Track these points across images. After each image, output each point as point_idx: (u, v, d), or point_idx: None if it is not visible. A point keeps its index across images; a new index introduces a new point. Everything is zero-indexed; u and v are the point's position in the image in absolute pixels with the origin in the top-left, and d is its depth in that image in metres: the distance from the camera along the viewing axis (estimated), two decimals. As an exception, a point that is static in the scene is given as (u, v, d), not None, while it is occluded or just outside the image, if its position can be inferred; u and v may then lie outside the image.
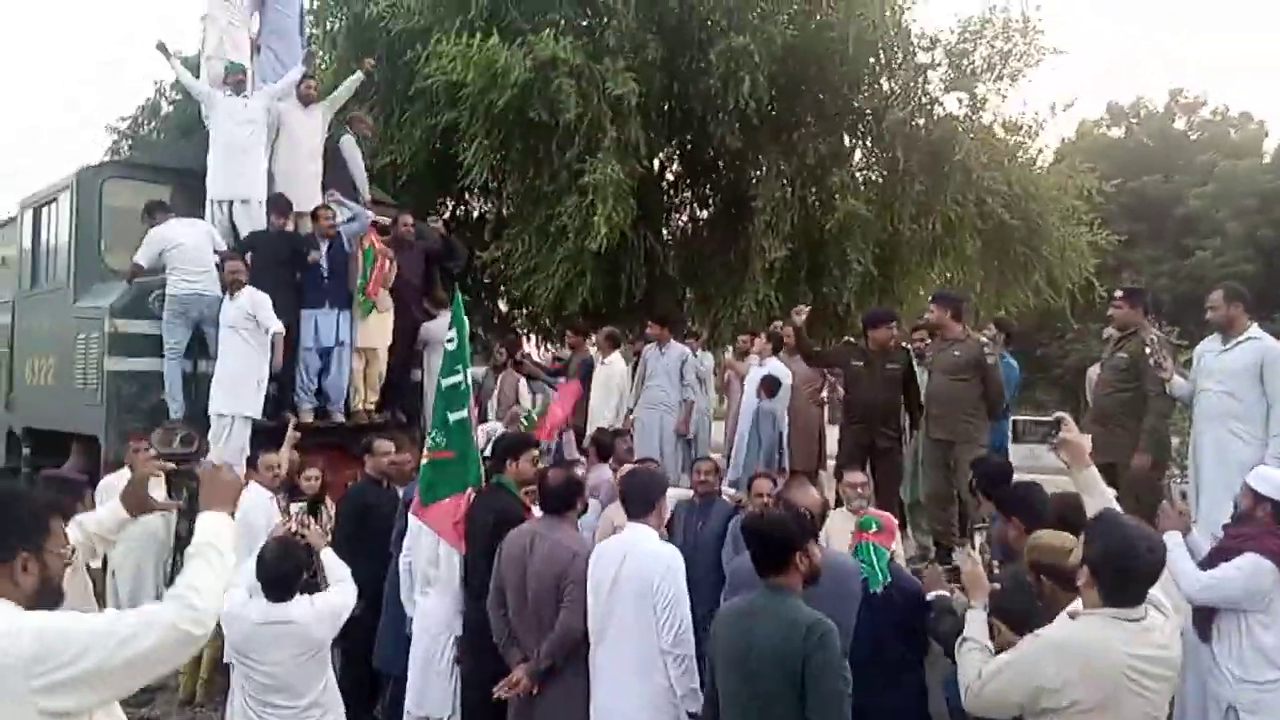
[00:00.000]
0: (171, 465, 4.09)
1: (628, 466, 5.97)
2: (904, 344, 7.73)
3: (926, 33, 12.92)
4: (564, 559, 4.10)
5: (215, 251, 7.64)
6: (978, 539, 3.76)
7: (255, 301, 7.27)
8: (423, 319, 8.67)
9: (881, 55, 12.54)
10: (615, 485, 6.48)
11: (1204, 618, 4.36)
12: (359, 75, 9.33)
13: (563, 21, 11.62)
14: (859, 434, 7.20)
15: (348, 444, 8.06)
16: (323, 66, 12.61)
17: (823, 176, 12.40)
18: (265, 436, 7.54)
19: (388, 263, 8.14)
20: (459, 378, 5.10)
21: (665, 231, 14.31)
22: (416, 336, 8.64)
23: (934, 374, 7.01)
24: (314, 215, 8.08)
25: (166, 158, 8.49)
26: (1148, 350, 5.99)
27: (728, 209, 13.93)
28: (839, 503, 6.31)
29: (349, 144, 8.85)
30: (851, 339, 8.33)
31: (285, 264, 7.82)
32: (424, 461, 5.20)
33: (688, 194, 14.65)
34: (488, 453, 5.25)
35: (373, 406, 8.38)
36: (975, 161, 12.12)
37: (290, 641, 3.99)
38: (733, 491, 6.99)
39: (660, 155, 12.76)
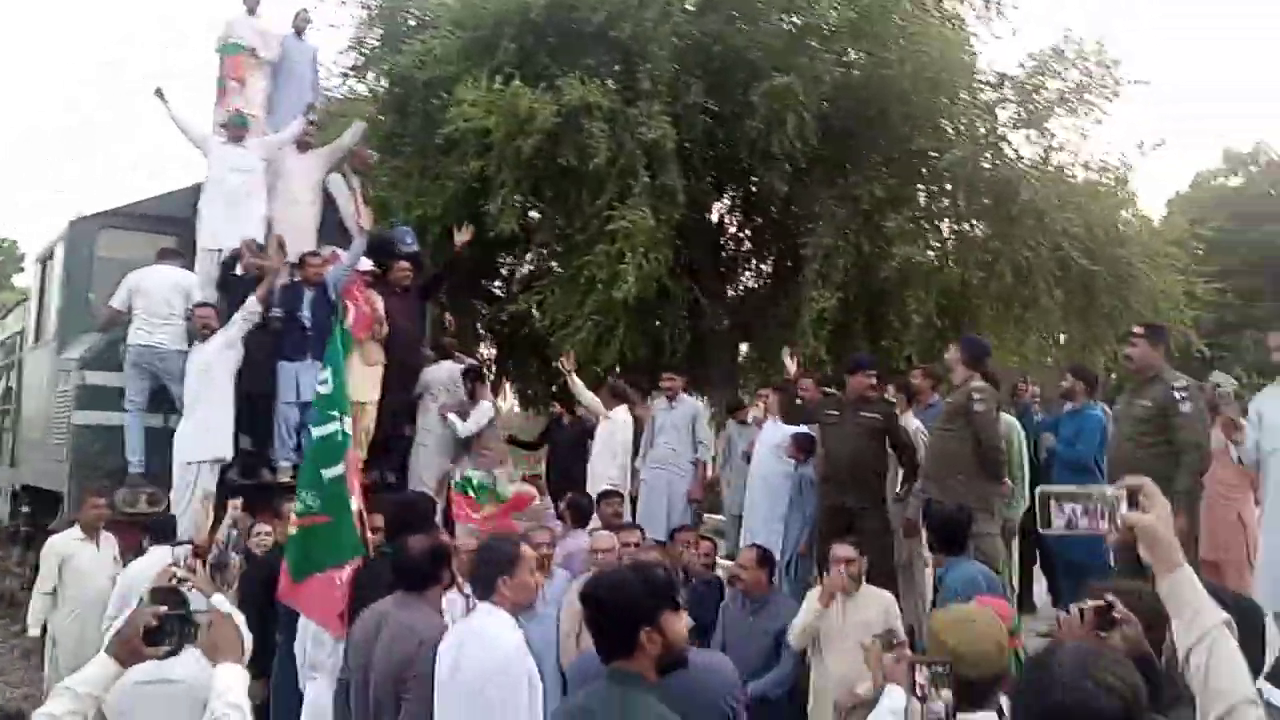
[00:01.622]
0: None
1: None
2: (886, 396, 6.85)
3: (994, 67, 12.10)
4: (409, 647, 3.34)
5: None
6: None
7: (227, 344, 6.88)
8: (422, 365, 8.15)
9: (944, 93, 11.69)
10: (594, 556, 5.78)
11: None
12: (361, 124, 9.02)
13: (595, 66, 11.15)
14: (829, 495, 6.31)
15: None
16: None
17: (879, 223, 11.52)
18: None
19: (367, 307, 7.67)
20: (334, 426, 4.49)
21: (721, 284, 13.62)
22: (413, 387, 8.09)
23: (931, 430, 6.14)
24: (300, 262, 7.67)
25: (174, 206, 8.16)
26: (1177, 396, 4.99)
27: (781, 259, 13.17)
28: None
29: (335, 183, 8.48)
30: (830, 389, 7.44)
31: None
32: (291, 531, 4.57)
33: (739, 244, 13.95)
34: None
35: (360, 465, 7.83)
36: (1047, 203, 11.07)
37: (173, 704, 3.36)
38: (729, 565, 6.17)
39: (709, 204, 12.06)
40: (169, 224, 8.15)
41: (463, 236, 8.41)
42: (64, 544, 6.29)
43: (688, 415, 7.49)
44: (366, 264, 7.97)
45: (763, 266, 14.16)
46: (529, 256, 11.48)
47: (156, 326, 7.07)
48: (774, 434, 7.06)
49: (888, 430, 6.34)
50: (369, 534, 4.63)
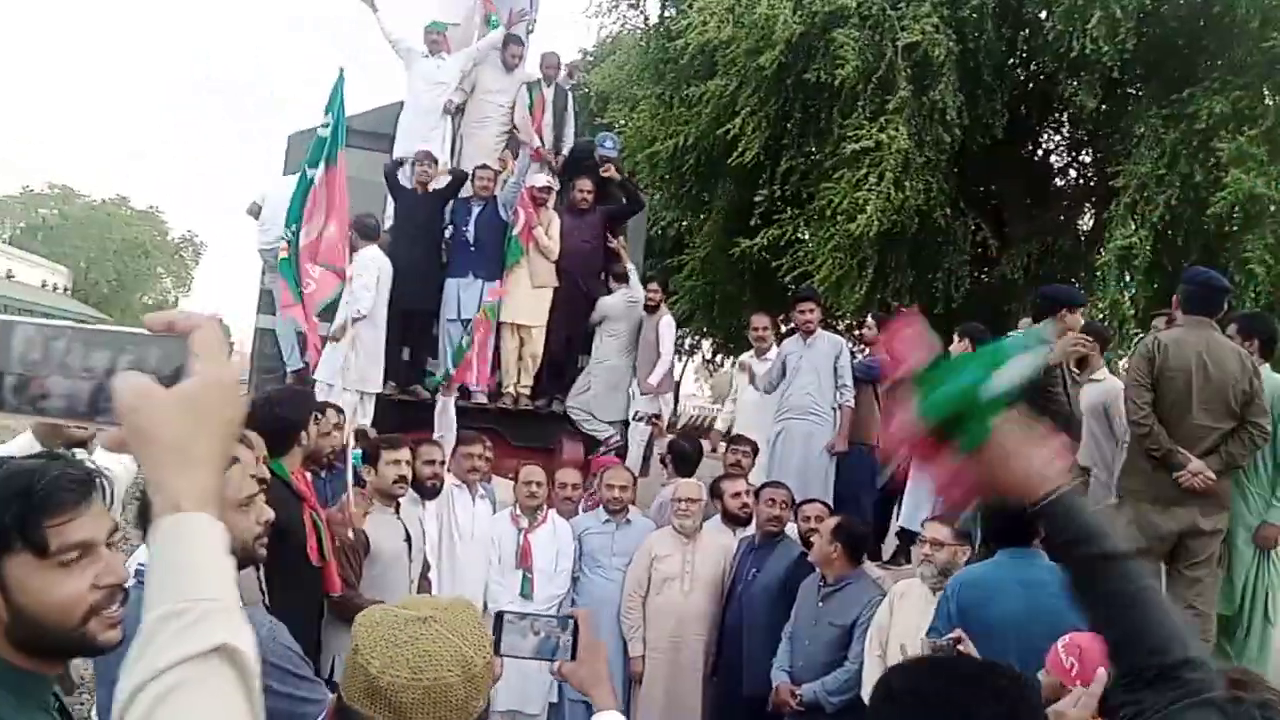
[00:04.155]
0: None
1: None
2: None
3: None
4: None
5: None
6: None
7: (360, 263, 6.71)
8: (599, 294, 7.55)
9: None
10: (674, 506, 4.96)
11: None
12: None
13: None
14: None
15: (500, 429, 7.29)
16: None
17: (1216, 146, 9.08)
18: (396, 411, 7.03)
19: (534, 216, 7.22)
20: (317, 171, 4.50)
21: (1023, 225, 11.62)
22: (588, 315, 7.53)
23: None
24: (471, 175, 7.36)
25: (382, 121, 8.22)
26: None
27: (1086, 189, 10.94)
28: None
29: (520, 95, 7.96)
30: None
31: (424, 226, 7.21)
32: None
33: (1043, 176, 11.80)
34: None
35: (526, 391, 7.44)
36: None
37: None
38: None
39: (997, 126, 10.18)
40: (377, 139, 8.21)
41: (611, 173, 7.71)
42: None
43: (828, 353, 6.17)
44: (544, 180, 7.50)
45: (1080, 205, 11.90)
46: (757, 181, 10.36)
47: (269, 229, 7.06)
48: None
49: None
50: None
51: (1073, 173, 12.16)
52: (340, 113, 5.09)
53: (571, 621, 1.67)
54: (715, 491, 5.23)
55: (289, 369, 7.08)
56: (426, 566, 4.16)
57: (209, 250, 72.29)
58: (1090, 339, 5.20)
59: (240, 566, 1.97)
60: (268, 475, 3.00)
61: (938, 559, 3.71)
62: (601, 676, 1.68)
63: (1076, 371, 5.10)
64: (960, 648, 2.76)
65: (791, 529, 4.90)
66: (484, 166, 7.40)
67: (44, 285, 60.02)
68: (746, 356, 7.19)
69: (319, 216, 5.22)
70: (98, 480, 1.36)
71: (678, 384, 23.57)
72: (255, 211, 7.30)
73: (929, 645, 2.74)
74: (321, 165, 5.16)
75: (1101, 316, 9.38)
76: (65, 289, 64.19)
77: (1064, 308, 4.97)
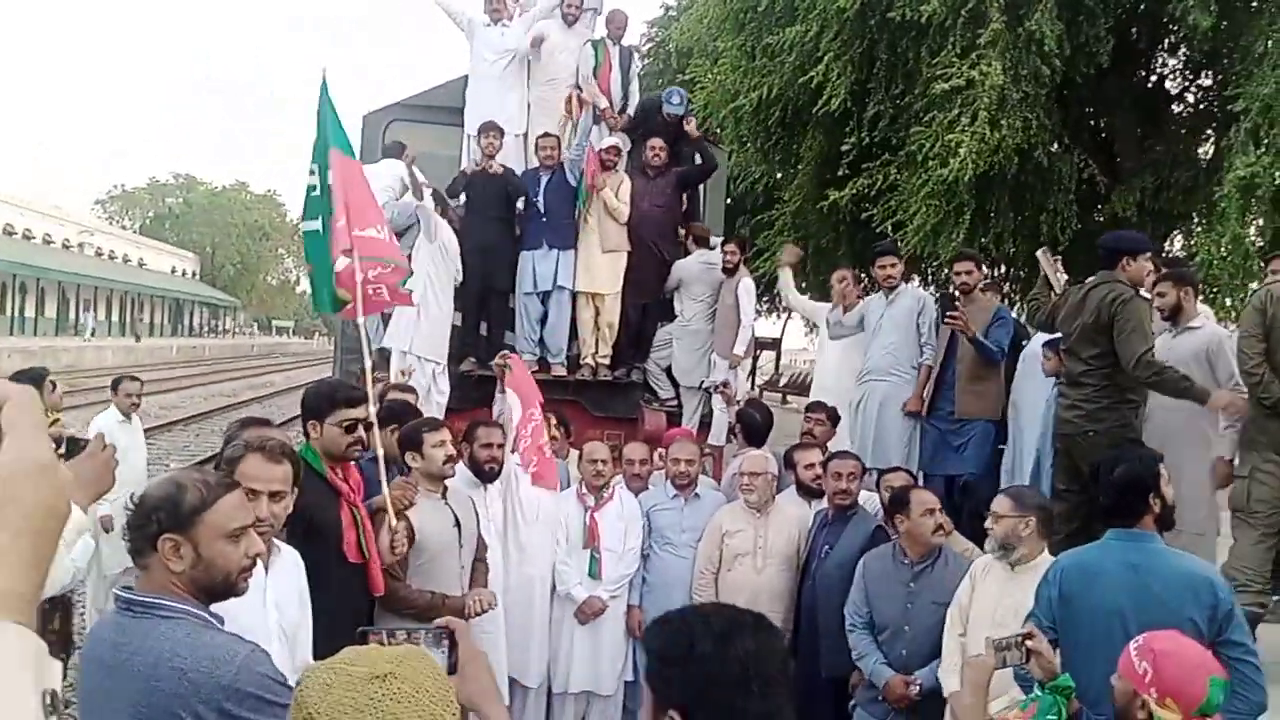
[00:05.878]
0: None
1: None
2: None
3: None
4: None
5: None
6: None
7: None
8: (675, 257, 7.34)
9: None
10: (739, 480, 4.77)
11: None
12: None
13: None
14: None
15: (580, 401, 7.24)
16: None
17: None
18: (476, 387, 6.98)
19: (597, 174, 6.99)
20: (314, 179, 4.06)
21: (1136, 160, 10.84)
22: (665, 281, 7.34)
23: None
24: (535, 146, 7.22)
25: (455, 96, 8.10)
26: None
27: (1204, 115, 10.11)
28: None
29: (584, 54, 7.72)
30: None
31: (496, 202, 7.09)
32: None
33: (1156, 105, 10.96)
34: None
35: (605, 361, 7.32)
36: None
37: None
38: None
39: (1101, 54, 9.44)
40: (451, 114, 8.12)
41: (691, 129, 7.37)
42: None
43: (910, 309, 5.79)
44: (612, 141, 7.29)
45: (1199, 133, 11.03)
46: (843, 129, 9.89)
47: None
48: (1036, 341, 5.31)
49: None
50: None
51: (1190, 98, 11.30)
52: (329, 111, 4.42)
53: (446, 634, 1.53)
54: (789, 461, 5.03)
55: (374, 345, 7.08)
56: (483, 550, 4.08)
57: (327, 230, 73.90)
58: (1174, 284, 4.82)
59: (219, 599, 1.90)
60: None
61: (995, 532, 3.46)
62: (489, 691, 1.52)
63: (1170, 324, 4.72)
64: (1030, 644, 2.51)
65: (872, 499, 4.66)
66: (545, 135, 7.24)
67: (174, 271, 63.23)
68: (831, 312, 6.84)
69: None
70: None
71: (779, 340, 23.10)
72: None
73: (991, 644, 2.50)
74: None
75: (1225, 254, 8.71)
76: (194, 274, 67.55)
77: (1125, 256, 4.59)
